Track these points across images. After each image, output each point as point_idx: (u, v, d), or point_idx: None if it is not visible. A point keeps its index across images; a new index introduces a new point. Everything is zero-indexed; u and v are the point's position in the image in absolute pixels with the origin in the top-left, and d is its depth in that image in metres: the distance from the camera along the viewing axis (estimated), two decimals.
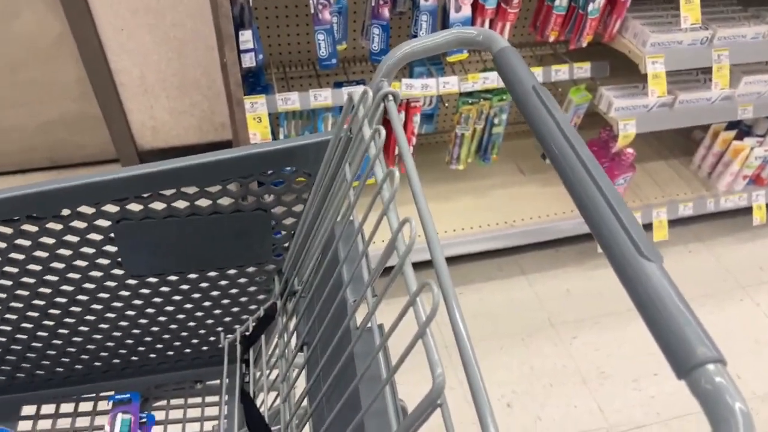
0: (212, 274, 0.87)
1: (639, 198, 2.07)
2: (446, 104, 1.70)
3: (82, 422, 0.94)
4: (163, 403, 0.98)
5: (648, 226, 2.03)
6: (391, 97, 0.64)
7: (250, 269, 0.88)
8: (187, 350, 1.00)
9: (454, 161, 1.88)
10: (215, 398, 1.00)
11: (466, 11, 1.44)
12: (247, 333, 0.81)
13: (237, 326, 1.00)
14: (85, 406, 0.96)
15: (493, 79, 1.60)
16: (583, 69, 1.69)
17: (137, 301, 0.87)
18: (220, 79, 1.93)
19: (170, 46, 1.81)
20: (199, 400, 1.00)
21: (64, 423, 0.93)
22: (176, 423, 0.96)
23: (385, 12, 1.39)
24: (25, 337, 0.86)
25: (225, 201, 0.77)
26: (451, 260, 1.94)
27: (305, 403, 0.68)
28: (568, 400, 1.62)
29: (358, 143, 0.72)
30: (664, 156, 2.31)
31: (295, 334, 0.76)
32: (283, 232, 0.84)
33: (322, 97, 1.48)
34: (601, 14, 1.56)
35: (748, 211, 2.20)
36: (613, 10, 1.59)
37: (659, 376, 1.70)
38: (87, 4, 1.64)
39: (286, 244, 0.85)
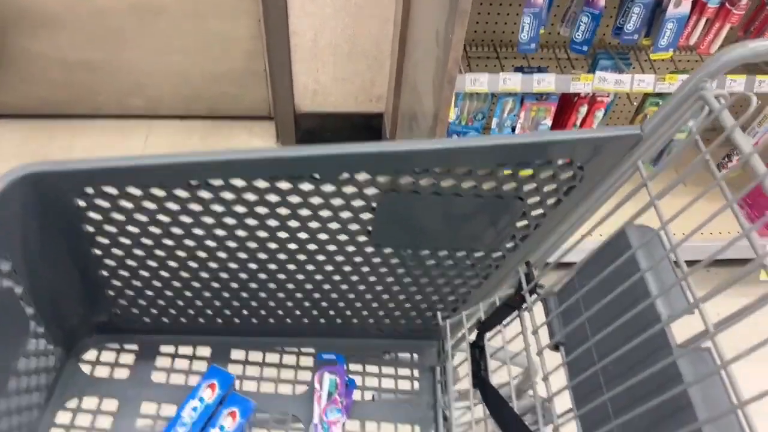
0: (442, 253, 0.86)
1: None
2: (634, 102, 1.61)
3: (286, 374, 0.97)
4: (359, 368, 1.00)
5: None
6: (722, 101, 0.59)
7: (479, 254, 0.87)
8: (387, 321, 1.01)
9: None
10: (406, 371, 1.01)
11: (686, 8, 1.34)
12: (481, 319, 0.80)
13: (440, 306, 0.99)
14: (288, 359, 0.99)
15: None
16: None
17: (365, 268, 0.88)
18: (388, 51, 1.93)
19: (348, 13, 1.82)
20: (391, 370, 1.01)
21: (269, 372, 0.97)
22: (370, 390, 0.98)
23: (601, 0, 1.32)
24: (251, 288, 0.89)
25: (486, 185, 0.75)
26: None
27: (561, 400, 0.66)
28: None
29: (654, 142, 0.68)
30: None
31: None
32: (524, 222, 0.82)
33: (512, 81, 1.44)
34: None
35: None
36: None
37: None
38: None
39: (522, 235, 0.83)
